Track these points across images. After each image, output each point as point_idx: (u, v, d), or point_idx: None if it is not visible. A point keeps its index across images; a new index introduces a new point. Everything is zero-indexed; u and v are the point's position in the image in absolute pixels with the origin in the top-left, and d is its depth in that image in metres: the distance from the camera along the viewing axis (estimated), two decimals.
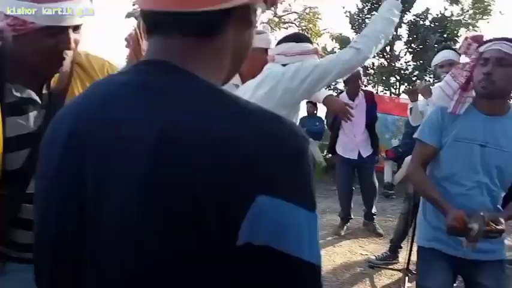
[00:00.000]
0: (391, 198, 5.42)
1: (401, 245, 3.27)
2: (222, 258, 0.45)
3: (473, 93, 1.57)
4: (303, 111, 6.78)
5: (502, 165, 1.54)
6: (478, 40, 1.56)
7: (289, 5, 14.03)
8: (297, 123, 2.34)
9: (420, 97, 3.02)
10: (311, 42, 1.86)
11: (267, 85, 1.65)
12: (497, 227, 1.39)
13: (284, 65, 1.72)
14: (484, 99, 1.55)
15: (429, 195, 1.63)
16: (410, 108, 3.14)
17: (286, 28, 13.93)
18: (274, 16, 13.66)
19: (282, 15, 14.16)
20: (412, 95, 3.09)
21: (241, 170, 0.44)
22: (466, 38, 1.61)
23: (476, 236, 1.38)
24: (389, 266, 3.30)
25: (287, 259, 0.45)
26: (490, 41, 1.51)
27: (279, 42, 1.85)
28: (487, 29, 10.01)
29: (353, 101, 3.90)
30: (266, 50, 1.98)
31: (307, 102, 6.62)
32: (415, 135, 1.68)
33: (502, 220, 1.42)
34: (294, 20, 14.32)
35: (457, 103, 1.56)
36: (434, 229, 1.63)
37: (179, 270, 0.46)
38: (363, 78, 4.19)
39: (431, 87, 2.87)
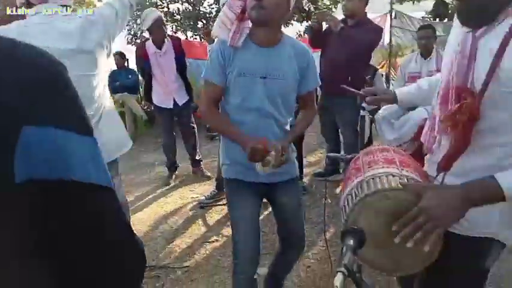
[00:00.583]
0: (215, 139, 5.65)
1: None
2: (8, 204, 0.42)
3: (250, 24, 1.59)
4: (112, 65, 6.30)
5: (283, 93, 1.62)
6: None
7: None
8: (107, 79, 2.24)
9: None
10: None
11: None
12: (283, 157, 1.54)
13: (63, 7, 1.76)
14: (258, 28, 1.55)
15: (227, 132, 1.68)
16: (209, 51, 3.22)
17: None
18: None
19: None
20: (207, 37, 3.16)
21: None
22: None
23: (271, 160, 1.51)
24: (219, 203, 3.52)
25: (77, 187, 0.46)
26: None
27: None
28: None
29: (160, 49, 3.78)
30: None
31: (115, 54, 6.15)
32: (202, 75, 1.64)
33: (289, 145, 1.59)
34: None
35: (235, 34, 1.54)
36: (234, 162, 1.72)
37: None
38: (170, 24, 4.03)
39: None
